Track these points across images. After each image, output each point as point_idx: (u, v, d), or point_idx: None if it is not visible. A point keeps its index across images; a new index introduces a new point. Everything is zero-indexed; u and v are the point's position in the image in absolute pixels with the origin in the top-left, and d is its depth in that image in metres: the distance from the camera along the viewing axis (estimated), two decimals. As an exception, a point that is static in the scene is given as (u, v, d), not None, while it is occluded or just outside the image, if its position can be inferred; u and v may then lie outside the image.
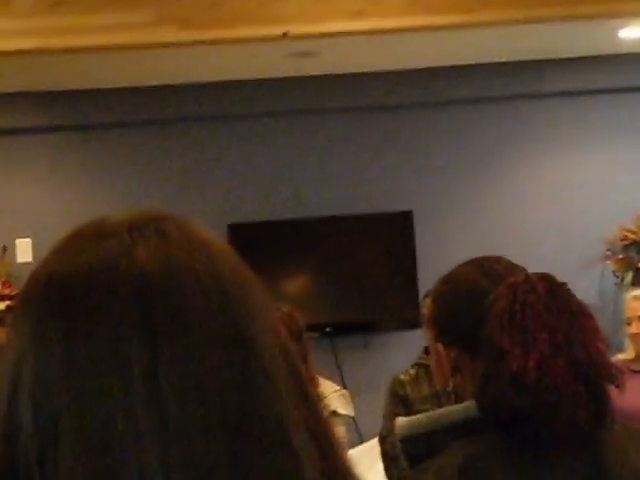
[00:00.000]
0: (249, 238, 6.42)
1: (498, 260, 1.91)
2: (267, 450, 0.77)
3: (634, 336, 4.47)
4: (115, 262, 0.79)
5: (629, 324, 4.52)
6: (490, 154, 6.67)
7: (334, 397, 4.46)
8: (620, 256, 6.21)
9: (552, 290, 1.67)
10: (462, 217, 6.60)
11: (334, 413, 4.32)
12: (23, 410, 0.77)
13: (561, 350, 1.63)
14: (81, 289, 0.78)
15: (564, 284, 1.72)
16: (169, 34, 5.03)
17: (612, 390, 4.35)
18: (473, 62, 6.43)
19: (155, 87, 6.46)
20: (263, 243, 6.45)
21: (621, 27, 5.82)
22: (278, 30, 5.10)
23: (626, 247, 6.19)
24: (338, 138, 6.69)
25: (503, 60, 6.42)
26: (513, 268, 1.86)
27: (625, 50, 6.28)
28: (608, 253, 6.27)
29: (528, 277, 1.72)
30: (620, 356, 4.57)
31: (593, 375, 1.65)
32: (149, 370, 0.75)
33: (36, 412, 0.76)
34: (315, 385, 4.19)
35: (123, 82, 6.35)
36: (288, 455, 0.77)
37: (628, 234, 6.18)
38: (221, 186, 6.66)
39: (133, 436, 0.74)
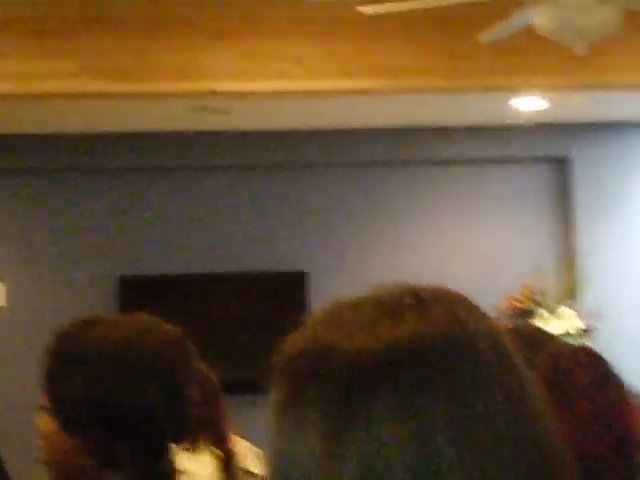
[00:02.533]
0: (140, 291, 6.33)
1: None
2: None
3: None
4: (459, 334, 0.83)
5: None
6: (384, 218, 6.78)
7: (250, 456, 4.42)
8: (508, 325, 6.37)
9: None
10: (356, 277, 6.67)
11: (248, 472, 4.28)
12: None
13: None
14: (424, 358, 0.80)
15: None
16: (92, 84, 4.99)
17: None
18: (373, 126, 6.57)
19: (60, 136, 6.38)
20: (155, 297, 6.36)
21: (512, 98, 6.06)
22: (201, 86, 5.11)
23: (514, 316, 6.36)
24: (236, 195, 6.70)
25: (399, 126, 6.58)
26: None
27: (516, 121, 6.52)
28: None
29: None
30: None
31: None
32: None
33: None
34: (232, 443, 4.13)
35: (34, 129, 6.28)
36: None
37: (516, 303, 6.37)
38: (114, 238, 6.55)
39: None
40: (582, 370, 1.72)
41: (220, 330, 6.46)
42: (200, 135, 6.47)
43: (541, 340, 1.88)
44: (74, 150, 6.44)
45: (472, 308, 0.87)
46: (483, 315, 0.87)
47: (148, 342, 1.69)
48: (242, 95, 5.23)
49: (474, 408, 0.79)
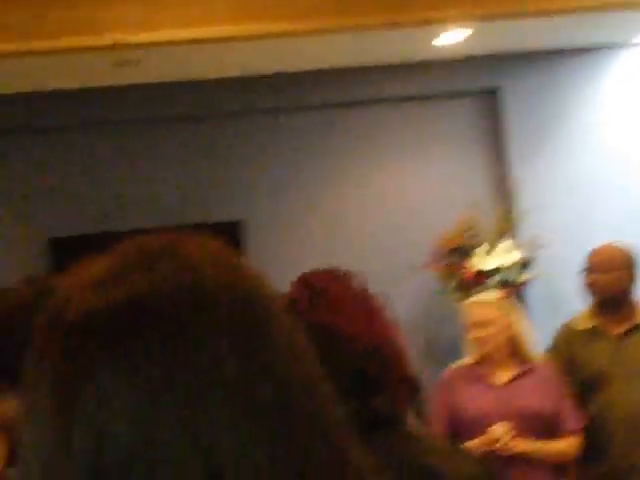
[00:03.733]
0: (70, 252, 6.23)
1: None
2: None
3: (475, 340, 4.58)
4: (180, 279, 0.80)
5: (469, 329, 4.62)
6: (320, 161, 6.67)
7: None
8: (443, 263, 6.31)
9: None
10: (295, 228, 6.60)
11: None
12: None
13: None
14: (157, 312, 0.78)
15: None
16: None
17: (457, 394, 4.43)
18: (296, 69, 6.43)
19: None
20: (85, 257, 6.24)
21: (436, 32, 5.94)
22: (105, 40, 4.98)
23: (449, 254, 6.30)
24: (167, 146, 6.58)
25: (323, 67, 6.45)
26: None
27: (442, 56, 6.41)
28: (430, 260, 6.37)
29: None
30: (462, 361, 4.68)
31: None
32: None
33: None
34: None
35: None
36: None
37: (450, 241, 6.30)
38: (41, 199, 6.43)
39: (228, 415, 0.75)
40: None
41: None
42: (119, 89, 6.32)
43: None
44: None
45: (217, 262, 0.83)
46: (233, 269, 0.84)
47: None
48: (149, 45, 5.09)
49: (202, 371, 0.76)
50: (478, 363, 4.57)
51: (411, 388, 1.70)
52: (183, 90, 6.45)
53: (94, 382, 0.75)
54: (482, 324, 4.54)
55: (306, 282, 1.75)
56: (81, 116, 6.46)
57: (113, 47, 4.91)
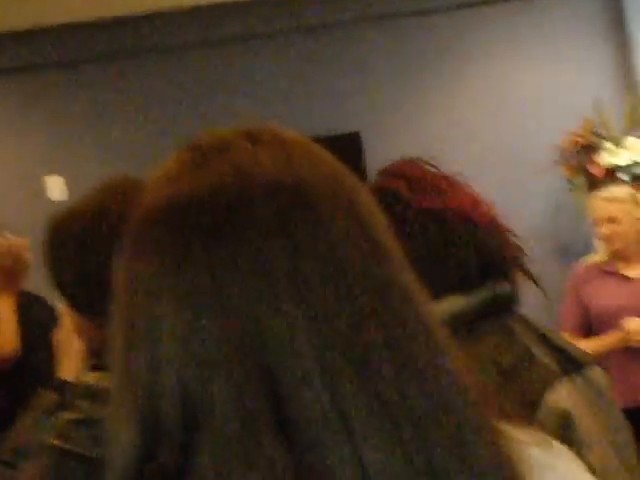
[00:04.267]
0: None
1: None
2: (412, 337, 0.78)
3: (606, 236, 4.49)
4: (245, 171, 0.78)
5: (599, 225, 4.52)
6: (433, 65, 6.55)
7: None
8: (571, 162, 6.20)
9: None
10: (410, 134, 6.54)
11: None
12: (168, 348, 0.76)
13: None
14: (218, 204, 0.77)
15: None
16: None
17: (589, 290, 4.34)
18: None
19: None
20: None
21: None
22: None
23: (576, 152, 6.18)
24: (273, 62, 6.57)
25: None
26: None
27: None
28: (558, 159, 6.27)
29: None
30: (593, 258, 4.60)
31: None
32: (292, 270, 0.75)
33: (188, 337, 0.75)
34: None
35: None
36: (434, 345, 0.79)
37: (578, 139, 6.17)
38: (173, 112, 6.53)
39: (287, 336, 0.74)
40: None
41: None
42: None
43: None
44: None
45: (311, 153, 0.84)
46: (328, 162, 0.84)
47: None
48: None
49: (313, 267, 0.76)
50: (610, 259, 4.48)
51: (522, 269, 1.66)
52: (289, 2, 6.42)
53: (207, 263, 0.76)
54: (612, 220, 4.44)
55: (395, 172, 1.69)
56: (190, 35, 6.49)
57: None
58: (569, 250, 6.32)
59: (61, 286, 1.67)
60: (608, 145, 6.08)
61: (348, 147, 6.40)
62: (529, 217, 6.36)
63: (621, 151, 6.07)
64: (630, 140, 6.08)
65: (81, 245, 1.61)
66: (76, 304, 1.66)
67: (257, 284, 0.75)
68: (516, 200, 6.32)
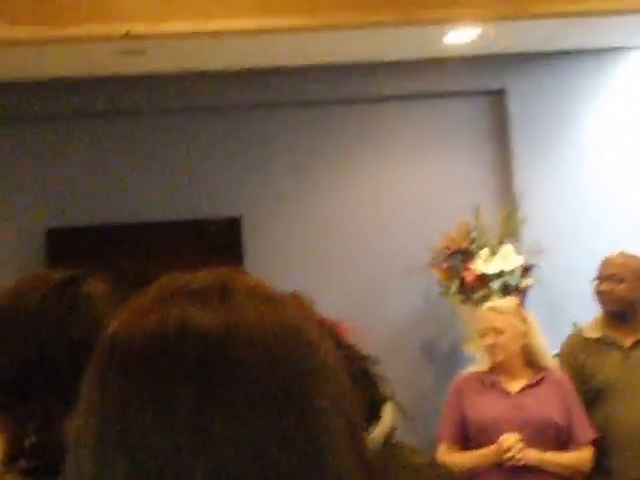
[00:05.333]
0: (68, 244, 6.13)
1: None
2: None
3: (490, 347, 4.51)
4: (174, 328, 0.82)
5: (483, 336, 4.55)
6: (320, 158, 6.56)
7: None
8: (444, 265, 6.24)
9: None
10: (292, 223, 6.50)
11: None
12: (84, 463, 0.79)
13: None
14: (142, 353, 0.81)
15: None
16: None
17: (469, 401, 4.38)
18: (299, 64, 6.32)
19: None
20: (83, 249, 6.15)
21: (444, 31, 5.88)
22: (118, 28, 4.87)
23: (450, 256, 6.22)
24: (164, 141, 6.47)
25: (327, 63, 6.35)
26: None
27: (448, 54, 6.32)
28: (432, 261, 6.29)
29: None
30: (474, 368, 4.61)
31: None
32: (196, 415, 0.77)
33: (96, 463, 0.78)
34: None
35: None
36: None
37: (452, 243, 6.22)
38: (39, 190, 6.31)
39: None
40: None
41: (152, 281, 6.24)
42: (124, 79, 6.21)
43: None
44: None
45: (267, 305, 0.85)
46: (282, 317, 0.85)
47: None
48: (159, 36, 4.99)
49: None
50: (491, 370, 4.51)
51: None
52: (184, 82, 6.34)
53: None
54: (497, 331, 4.48)
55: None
56: (83, 105, 6.33)
57: (125, 36, 4.80)
58: (436, 355, 6.32)
59: None
60: (483, 252, 6.15)
61: (227, 232, 6.31)
62: (400, 317, 6.36)
63: (495, 259, 6.15)
64: (505, 248, 6.17)
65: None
66: None
67: (161, 431, 0.77)
68: (389, 298, 6.33)
